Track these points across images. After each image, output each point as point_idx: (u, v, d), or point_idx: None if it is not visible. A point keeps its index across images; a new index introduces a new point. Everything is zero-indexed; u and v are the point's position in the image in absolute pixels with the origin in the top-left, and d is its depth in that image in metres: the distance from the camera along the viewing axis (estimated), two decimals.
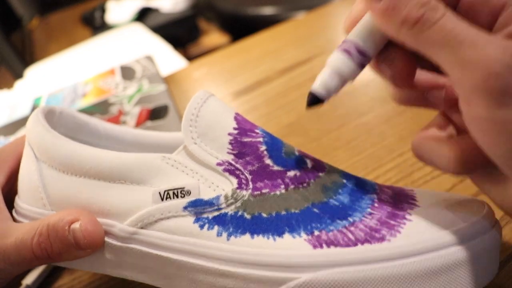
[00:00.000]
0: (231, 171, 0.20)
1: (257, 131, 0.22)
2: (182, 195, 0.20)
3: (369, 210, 0.19)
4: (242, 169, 0.20)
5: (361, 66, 0.18)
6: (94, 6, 1.82)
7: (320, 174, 0.21)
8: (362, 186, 0.21)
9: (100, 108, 0.46)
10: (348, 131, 0.36)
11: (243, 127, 0.21)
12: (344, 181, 0.21)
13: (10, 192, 0.25)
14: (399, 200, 0.20)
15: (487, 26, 0.17)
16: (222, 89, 0.50)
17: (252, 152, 0.21)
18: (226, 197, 0.20)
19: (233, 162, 0.20)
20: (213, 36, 1.94)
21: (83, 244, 0.20)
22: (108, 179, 0.21)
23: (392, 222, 0.19)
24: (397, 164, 0.32)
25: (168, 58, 0.90)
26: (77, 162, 0.21)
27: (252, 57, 0.55)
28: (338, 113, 0.39)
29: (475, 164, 0.17)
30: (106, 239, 0.21)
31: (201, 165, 0.21)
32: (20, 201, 0.24)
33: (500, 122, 0.14)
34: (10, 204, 0.24)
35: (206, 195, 0.20)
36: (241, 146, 0.21)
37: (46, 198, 0.22)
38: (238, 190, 0.20)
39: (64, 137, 0.23)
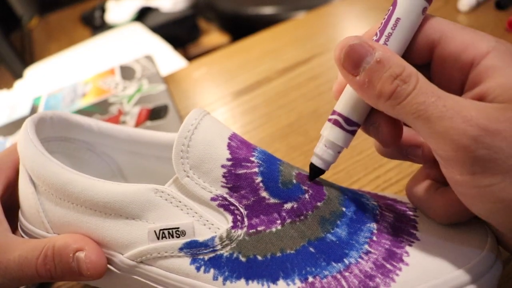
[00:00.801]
0: (226, 206, 0.20)
1: (252, 158, 0.21)
2: (177, 235, 0.20)
3: (366, 247, 0.19)
4: (237, 204, 0.20)
5: (353, 133, 0.20)
6: (93, 6, 1.82)
7: (319, 203, 0.20)
8: (362, 213, 0.20)
9: (100, 108, 0.46)
10: None
11: (237, 157, 0.20)
12: (343, 209, 0.20)
13: (9, 200, 0.25)
14: (400, 230, 0.20)
15: (460, 82, 0.18)
16: (222, 89, 0.50)
17: (247, 185, 0.20)
18: (221, 238, 0.19)
19: (227, 197, 0.20)
20: (213, 36, 1.94)
21: (85, 274, 0.20)
22: (104, 211, 0.21)
23: (388, 266, 0.18)
24: (397, 164, 0.32)
25: (168, 58, 0.90)
26: (72, 193, 0.21)
27: (252, 57, 0.55)
28: None
29: (460, 215, 0.19)
30: (109, 266, 0.21)
31: (195, 201, 0.20)
32: (24, 220, 0.24)
33: (474, 187, 0.15)
34: (9, 212, 0.24)
35: (201, 236, 0.20)
36: (236, 179, 0.20)
37: (47, 223, 0.22)
38: (233, 230, 0.19)
39: (57, 163, 0.22)
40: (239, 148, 0.21)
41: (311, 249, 0.19)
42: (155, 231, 0.20)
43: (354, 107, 0.19)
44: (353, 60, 0.17)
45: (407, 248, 0.19)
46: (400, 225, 0.20)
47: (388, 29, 0.18)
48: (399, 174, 0.31)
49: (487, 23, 0.46)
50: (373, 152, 0.33)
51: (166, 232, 0.20)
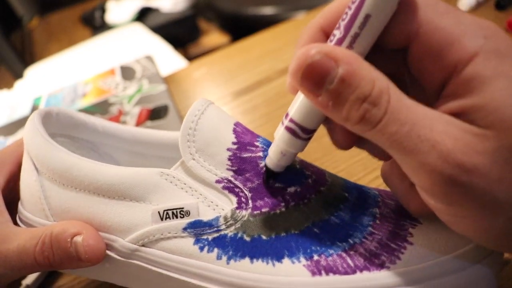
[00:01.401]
0: (231, 188, 0.20)
1: (257, 143, 0.21)
2: (182, 216, 0.20)
3: (370, 229, 0.19)
4: (242, 187, 0.20)
5: (308, 139, 0.18)
6: (94, 6, 1.82)
7: (322, 188, 0.20)
8: (364, 200, 0.21)
9: (100, 108, 0.46)
10: None
11: (243, 141, 0.21)
12: (346, 194, 0.20)
13: (10, 194, 0.25)
14: (401, 215, 0.20)
15: (440, 83, 0.16)
16: (222, 89, 0.50)
17: (251, 168, 0.20)
18: (225, 218, 0.19)
19: (232, 179, 0.20)
20: (213, 36, 1.94)
21: (84, 257, 0.20)
22: (107, 195, 0.21)
23: (393, 245, 0.18)
24: None
25: (168, 58, 0.90)
26: (76, 177, 0.21)
27: (252, 57, 0.55)
28: None
29: (432, 212, 0.18)
30: (109, 253, 0.21)
31: (200, 183, 0.20)
32: (23, 210, 0.24)
33: (449, 215, 0.15)
34: (10, 205, 0.24)
35: (205, 216, 0.20)
36: (241, 162, 0.20)
37: (48, 210, 0.22)
38: (237, 211, 0.19)
39: (62, 149, 0.22)
40: (244, 134, 0.21)
41: (315, 229, 0.19)
42: (159, 212, 0.20)
43: (312, 115, 0.17)
44: (314, 81, 0.14)
45: (411, 230, 0.19)
46: (402, 210, 0.20)
47: (355, 28, 0.15)
48: None
49: None
50: None
51: (170, 212, 0.20)
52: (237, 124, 0.22)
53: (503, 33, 0.14)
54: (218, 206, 0.20)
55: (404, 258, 0.18)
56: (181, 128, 0.20)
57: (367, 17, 0.14)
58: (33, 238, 0.21)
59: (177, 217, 0.20)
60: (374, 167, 0.32)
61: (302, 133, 0.18)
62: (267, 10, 1.18)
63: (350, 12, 0.15)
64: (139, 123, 0.42)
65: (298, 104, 0.17)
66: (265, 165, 0.20)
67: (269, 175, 0.20)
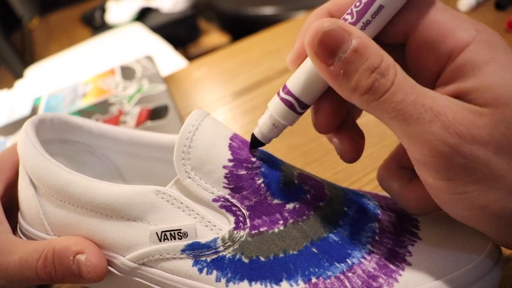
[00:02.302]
0: (228, 207, 0.20)
1: (253, 159, 0.20)
2: (179, 237, 0.20)
3: (369, 246, 0.19)
4: (239, 205, 0.20)
5: (301, 114, 0.19)
6: (94, 6, 1.82)
7: (321, 204, 0.20)
8: (364, 213, 0.20)
9: (100, 108, 0.46)
10: None
11: (239, 158, 0.20)
12: (345, 209, 0.20)
13: (9, 200, 0.24)
14: (402, 229, 0.20)
15: (436, 73, 0.17)
16: (222, 89, 0.50)
17: (249, 186, 0.20)
18: (223, 239, 0.19)
19: (229, 198, 0.20)
20: (213, 36, 1.94)
21: (86, 276, 0.20)
22: (105, 213, 0.21)
23: (391, 266, 0.18)
24: None
25: (168, 58, 0.90)
26: (72, 194, 0.21)
27: (252, 57, 0.55)
28: None
29: (433, 209, 0.18)
30: (110, 268, 0.21)
31: (197, 202, 0.20)
32: (23, 222, 0.24)
33: (448, 193, 0.15)
34: (10, 210, 0.24)
35: (203, 237, 0.20)
36: (237, 180, 0.20)
37: (48, 225, 0.22)
38: (235, 231, 0.19)
39: (58, 165, 0.22)
40: (240, 149, 0.21)
41: (313, 249, 0.19)
42: (157, 233, 0.20)
43: (310, 90, 0.17)
44: (328, 49, 0.15)
45: (410, 247, 0.19)
46: (402, 223, 0.20)
47: (367, 16, 0.16)
48: None
49: (487, 23, 0.46)
50: (373, 152, 0.33)
51: (168, 234, 0.20)
52: (233, 138, 0.21)
53: (492, 30, 0.16)
54: (215, 226, 0.20)
55: (402, 280, 0.18)
56: (175, 145, 0.20)
57: (380, 7, 0.16)
58: (35, 251, 0.21)
59: (175, 239, 0.20)
60: (374, 167, 0.32)
61: (298, 106, 0.18)
62: (267, 10, 1.18)
63: (364, 0, 0.16)
64: (139, 123, 0.42)
65: (299, 77, 0.17)
66: (253, 135, 0.20)
67: (255, 146, 0.20)
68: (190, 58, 1.39)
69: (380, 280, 0.18)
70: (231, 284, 0.19)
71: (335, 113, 0.19)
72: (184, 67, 0.59)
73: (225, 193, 0.20)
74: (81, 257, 0.20)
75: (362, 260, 0.18)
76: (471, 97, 0.15)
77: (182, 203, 0.20)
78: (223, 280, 0.19)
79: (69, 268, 0.20)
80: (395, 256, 0.18)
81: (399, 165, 0.20)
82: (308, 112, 0.20)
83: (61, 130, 0.26)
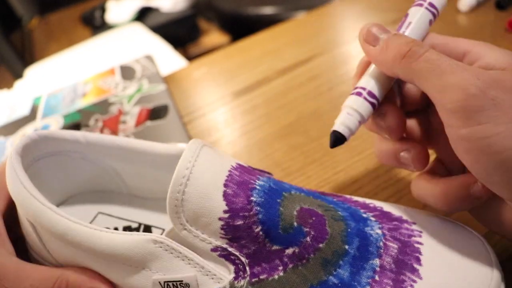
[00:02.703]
0: (227, 256, 0.20)
1: (250, 206, 0.20)
2: (182, 287, 0.20)
3: None
4: (238, 254, 0.20)
5: (373, 106, 0.21)
6: (94, 6, 1.82)
7: (320, 245, 0.20)
8: (365, 248, 0.20)
9: (100, 108, 0.46)
10: None
11: (235, 207, 0.20)
12: (346, 247, 0.20)
13: (12, 214, 0.24)
14: (403, 265, 0.20)
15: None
16: (222, 89, 0.50)
17: (246, 235, 0.20)
18: None
19: (227, 247, 0.20)
20: (213, 36, 1.94)
21: None
22: (107, 258, 0.21)
23: None
24: None
25: (168, 58, 0.90)
26: (72, 241, 0.21)
27: (252, 57, 0.54)
28: (338, 113, 0.39)
29: (459, 200, 0.20)
30: None
31: (196, 251, 0.20)
32: (32, 252, 0.24)
33: (478, 139, 0.16)
34: (13, 224, 0.24)
35: (205, 287, 0.20)
36: (235, 231, 0.20)
37: (54, 260, 0.22)
38: (235, 281, 0.19)
39: (52, 208, 0.21)
40: (235, 196, 0.20)
41: None
42: (159, 282, 0.20)
43: (375, 82, 0.21)
44: (373, 34, 0.21)
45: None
46: (403, 258, 0.20)
47: (403, 29, 0.21)
48: (399, 174, 0.31)
49: (487, 23, 0.46)
50: (373, 152, 0.33)
51: (170, 284, 0.20)
52: (227, 183, 0.20)
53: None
54: (216, 275, 0.20)
55: None
56: (167, 195, 0.20)
57: (409, 23, 0.21)
58: (47, 280, 0.21)
59: None
60: (375, 167, 0.32)
61: (367, 95, 0.21)
62: (267, 10, 1.18)
63: (400, 23, 0.22)
64: (138, 123, 0.42)
65: (364, 76, 0.22)
66: (332, 133, 0.21)
67: (336, 141, 0.21)
68: (190, 58, 1.39)
69: None
70: None
71: (399, 114, 0.22)
72: (184, 67, 0.59)
73: (223, 243, 0.20)
74: None
75: None
76: (491, 67, 0.18)
77: (181, 253, 0.20)
78: None
79: None
80: None
81: (428, 173, 0.23)
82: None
83: (48, 145, 0.25)
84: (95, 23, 1.70)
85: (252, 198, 0.20)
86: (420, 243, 0.20)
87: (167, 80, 0.54)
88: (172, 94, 0.49)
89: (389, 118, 0.22)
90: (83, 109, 0.47)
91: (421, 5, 0.21)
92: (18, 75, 1.70)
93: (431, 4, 0.21)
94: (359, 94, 0.21)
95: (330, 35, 0.55)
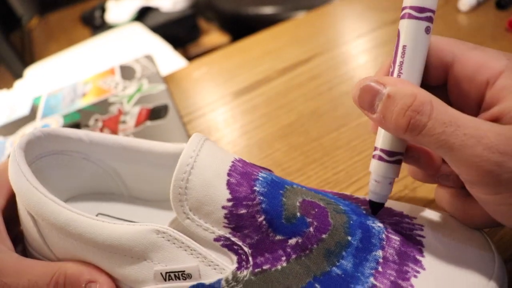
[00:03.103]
0: (230, 246, 0.20)
1: (253, 195, 0.20)
2: (184, 278, 0.20)
3: (371, 280, 0.19)
4: (241, 244, 0.19)
5: (398, 162, 0.20)
6: (93, 6, 1.82)
7: (323, 236, 0.20)
8: (368, 240, 0.20)
9: (100, 108, 0.46)
10: (349, 131, 0.36)
11: (238, 196, 0.20)
12: (349, 238, 0.20)
13: (11, 211, 0.24)
14: (405, 257, 0.20)
15: (477, 101, 0.19)
16: (222, 88, 0.49)
17: (250, 224, 0.19)
18: (227, 280, 0.19)
19: (230, 237, 0.20)
20: (213, 36, 1.94)
21: None
22: (109, 250, 0.21)
23: None
24: None
25: (168, 58, 0.90)
26: (73, 233, 0.21)
27: (252, 57, 0.54)
28: (339, 113, 0.39)
29: (483, 224, 0.20)
30: None
31: (198, 241, 0.20)
32: (30, 249, 0.23)
33: (501, 204, 0.16)
34: (12, 221, 0.24)
35: (207, 278, 0.19)
36: (238, 220, 0.20)
37: (54, 256, 0.22)
38: (238, 271, 0.19)
39: (55, 200, 0.21)
40: (239, 185, 0.20)
41: (316, 285, 0.19)
42: (161, 273, 0.20)
43: (392, 140, 0.20)
44: (367, 101, 0.18)
45: (413, 280, 0.18)
46: (406, 250, 0.20)
47: (399, 58, 0.19)
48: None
49: (487, 23, 0.46)
50: None
51: (172, 274, 0.20)
52: (231, 172, 0.21)
53: None
54: (218, 265, 0.20)
55: None
56: (171, 184, 0.20)
57: (404, 47, 0.19)
58: (45, 274, 0.21)
59: (179, 279, 0.20)
60: None
61: (388, 156, 0.20)
62: (267, 10, 1.18)
63: (394, 51, 0.19)
64: (138, 123, 0.42)
65: (378, 134, 0.20)
66: (369, 201, 0.21)
67: (374, 209, 0.21)
68: (190, 58, 1.39)
69: None
70: None
71: (432, 155, 0.21)
72: (184, 66, 0.59)
73: (226, 232, 0.20)
74: (94, 286, 0.20)
75: None
76: (509, 117, 0.16)
77: (183, 243, 0.20)
78: None
79: None
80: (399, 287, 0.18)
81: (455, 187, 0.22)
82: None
83: (51, 143, 0.25)
84: (95, 23, 1.70)
85: (255, 188, 0.20)
86: (422, 236, 0.20)
87: (167, 80, 0.54)
88: (172, 94, 0.49)
89: (422, 160, 0.21)
90: (83, 109, 0.47)
91: (410, 16, 0.18)
92: (17, 75, 1.70)
93: (420, 9, 0.18)
94: (381, 159, 0.20)
95: (330, 35, 0.55)
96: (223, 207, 0.20)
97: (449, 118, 0.16)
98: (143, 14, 1.59)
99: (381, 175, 0.20)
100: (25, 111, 0.50)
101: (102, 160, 0.27)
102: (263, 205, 0.20)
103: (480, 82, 0.18)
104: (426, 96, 0.17)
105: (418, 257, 0.19)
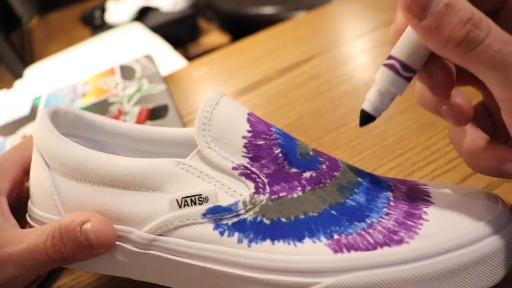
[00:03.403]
0: (247, 175, 0.20)
1: (270, 132, 0.21)
2: (200, 202, 0.20)
3: (385, 210, 0.19)
4: (258, 173, 0.20)
5: (409, 80, 0.19)
6: (93, 6, 1.82)
7: (336, 173, 0.21)
8: (377, 184, 0.21)
9: (100, 108, 0.46)
10: (349, 131, 0.36)
11: (257, 130, 0.21)
12: (359, 179, 0.21)
13: (16, 199, 0.25)
14: (414, 197, 0.20)
15: None
16: (222, 88, 0.49)
17: (267, 155, 0.21)
18: (244, 202, 0.20)
19: (248, 166, 0.20)
20: (213, 36, 1.94)
21: (96, 244, 0.20)
22: (123, 186, 0.21)
23: (410, 222, 0.19)
24: (397, 164, 0.32)
25: (168, 58, 0.90)
26: (90, 170, 0.21)
27: (252, 57, 0.54)
28: (338, 113, 0.39)
29: (487, 169, 0.19)
30: (125, 245, 0.21)
31: (217, 170, 0.20)
32: (34, 208, 0.24)
33: None
34: (16, 209, 0.24)
35: (224, 201, 0.20)
36: (256, 149, 0.21)
37: (61, 206, 0.22)
38: (255, 195, 0.20)
39: (75, 144, 0.22)
40: (257, 123, 0.22)
41: (333, 212, 0.19)
42: (177, 199, 0.20)
43: (413, 53, 0.18)
44: (421, 3, 0.16)
45: (425, 209, 0.19)
46: (414, 194, 0.21)
47: None
48: (399, 174, 0.31)
49: None
50: (373, 152, 0.33)
51: (188, 199, 0.20)
52: (250, 114, 0.22)
53: None
54: (236, 192, 0.20)
55: (422, 233, 0.18)
56: (196, 118, 0.21)
57: None
58: (42, 234, 0.21)
59: (195, 204, 0.20)
60: (375, 167, 0.32)
61: (402, 69, 0.18)
62: (267, 10, 1.18)
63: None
64: (138, 123, 0.42)
65: (400, 42, 0.18)
66: (361, 110, 0.20)
67: (365, 120, 0.20)
68: (190, 58, 1.39)
69: (401, 233, 0.18)
70: (253, 244, 0.19)
71: (448, 73, 0.19)
72: (184, 67, 0.59)
73: (245, 161, 0.20)
74: (88, 226, 0.20)
75: (381, 219, 0.19)
76: None
77: (202, 172, 0.20)
78: (245, 241, 0.19)
79: (77, 240, 0.20)
80: (412, 216, 0.19)
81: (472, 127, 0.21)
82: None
83: (73, 124, 0.26)
84: (95, 23, 1.70)
85: (271, 128, 0.22)
86: (427, 188, 0.22)
87: (167, 80, 0.54)
88: (172, 94, 0.49)
89: (436, 78, 0.19)
90: (83, 109, 0.47)
91: None
92: (17, 75, 1.70)
93: None
94: (392, 67, 0.18)
95: (330, 35, 0.55)
96: (243, 137, 0.21)
97: (506, 38, 0.15)
98: (143, 14, 1.59)
99: (388, 87, 0.19)
100: (25, 111, 0.50)
101: (117, 154, 0.28)
102: (279, 141, 0.21)
103: None
104: (483, 15, 0.15)
105: (426, 197, 0.20)
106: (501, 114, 0.17)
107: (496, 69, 0.15)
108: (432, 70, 0.19)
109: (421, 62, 0.18)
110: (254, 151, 0.21)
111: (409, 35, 0.18)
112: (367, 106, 0.19)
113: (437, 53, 0.17)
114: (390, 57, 0.18)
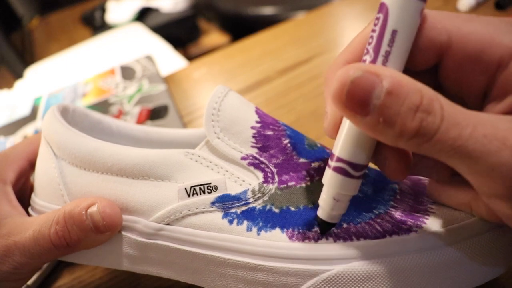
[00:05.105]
0: (256, 165, 0.20)
1: (278, 124, 0.22)
2: (209, 191, 0.20)
3: (392, 203, 0.20)
4: (267, 163, 0.20)
5: (360, 177, 0.17)
6: (94, 6, 1.82)
7: None
8: (383, 177, 0.21)
9: (100, 108, 0.46)
10: None
11: (265, 121, 0.21)
12: (366, 171, 0.21)
13: (20, 191, 0.25)
14: (419, 192, 0.21)
15: (484, 86, 0.15)
16: None
17: (276, 145, 0.21)
18: (253, 191, 0.20)
19: (257, 156, 0.20)
20: (213, 36, 1.94)
21: (102, 226, 0.20)
22: (131, 175, 0.21)
23: (416, 214, 0.19)
24: None
25: (168, 58, 0.90)
26: (99, 159, 0.21)
27: (252, 57, 0.55)
28: None
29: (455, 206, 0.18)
30: (131, 235, 0.21)
31: (226, 160, 0.21)
32: (37, 199, 0.24)
33: None
34: (20, 201, 0.24)
35: (233, 190, 0.20)
36: (265, 140, 0.21)
37: (67, 196, 0.22)
38: (264, 184, 0.20)
39: (84, 134, 0.23)
40: (265, 115, 0.22)
41: None
42: (185, 188, 0.20)
43: (361, 148, 0.16)
44: (359, 99, 0.13)
45: (430, 205, 0.20)
46: (418, 189, 0.21)
47: (385, 47, 0.15)
48: None
49: None
50: None
51: (197, 188, 0.20)
52: (257, 108, 0.22)
53: None
54: (244, 181, 0.20)
55: (430, 222, 0.18)
56: (205, 109, 0.21)
57: (394, 32, 0.14)
58: (47, 221, 0.21)
59: (204, 193, 0.20)
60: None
61: (353, 171, 0.16)
62: (267, 10, 1.18)
63: (375, 34, 0.15)
64: (139, 123, 0.42)
65: (343, 139, 0.16)
66: (317, 219, 0.18)
67: (325, 229, 0.18)
68: (190, 58, 1.39)
69: (409, 223, 0.18)
70: (262, 232, 0.19)
71: (403, 155, 0.16)
72: (184, 67, 0.59)
73: (253, 151, 0.20)
74: (94, 208, 0.20)
75: (388, 211, 0.19)
76: None
77: (211, 162, 0.21)
78: (255, 229, 0.19)
79: (82, 225, 0.20)
80: (418, 209, 0.19)
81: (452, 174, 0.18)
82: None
83: (80, 122, 0.26)
84: (95, 23, 1.70)
85: (279, 121, 0.22)
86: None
87: (167, 80, 0.54)
88: (172, 94, 0.49)
89: (391, 165, 0.16)
90: None
91: None
92: (18, 75, 1.70)
93: None
94: (342, 171, 0.16)
95: (330, 35, 0.55)
96: (252, 127, 0.21)
97: (463, 117, 0.13)
98: (143, 15, 1.59)
99: (342, 192, 0.17)
100: (25, 111, 0.50)
101: None
102: (288, 132, 0.22)
103: (489, 63, 0.14)
104: (431, 91, 0.13)
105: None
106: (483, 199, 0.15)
107: (460, 157, 0.13)
108: (384, 157, 0.16)
109: (371, 153, 0.16)
110: (262, 141, 0.21)
111: (350, 129, 0.16)
112: (325, 216, 0.18)
113: (389, 145, 0.15)
114: (337, 159, 0.16)
